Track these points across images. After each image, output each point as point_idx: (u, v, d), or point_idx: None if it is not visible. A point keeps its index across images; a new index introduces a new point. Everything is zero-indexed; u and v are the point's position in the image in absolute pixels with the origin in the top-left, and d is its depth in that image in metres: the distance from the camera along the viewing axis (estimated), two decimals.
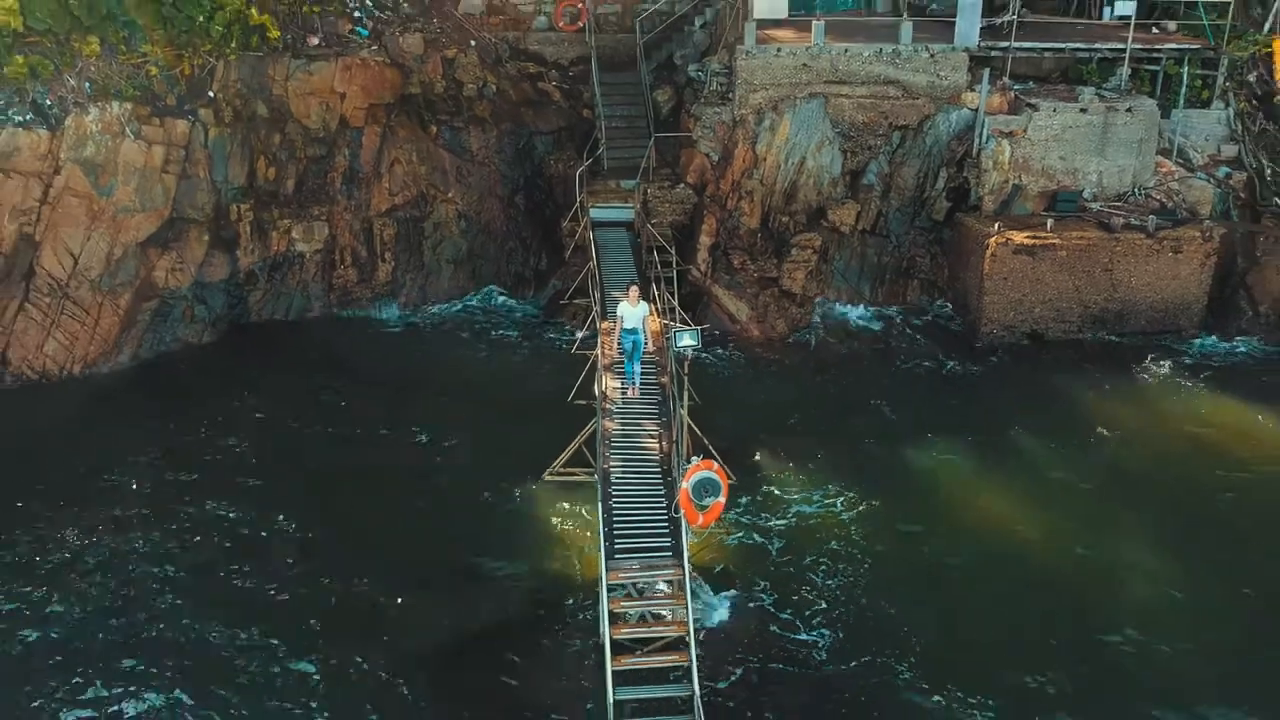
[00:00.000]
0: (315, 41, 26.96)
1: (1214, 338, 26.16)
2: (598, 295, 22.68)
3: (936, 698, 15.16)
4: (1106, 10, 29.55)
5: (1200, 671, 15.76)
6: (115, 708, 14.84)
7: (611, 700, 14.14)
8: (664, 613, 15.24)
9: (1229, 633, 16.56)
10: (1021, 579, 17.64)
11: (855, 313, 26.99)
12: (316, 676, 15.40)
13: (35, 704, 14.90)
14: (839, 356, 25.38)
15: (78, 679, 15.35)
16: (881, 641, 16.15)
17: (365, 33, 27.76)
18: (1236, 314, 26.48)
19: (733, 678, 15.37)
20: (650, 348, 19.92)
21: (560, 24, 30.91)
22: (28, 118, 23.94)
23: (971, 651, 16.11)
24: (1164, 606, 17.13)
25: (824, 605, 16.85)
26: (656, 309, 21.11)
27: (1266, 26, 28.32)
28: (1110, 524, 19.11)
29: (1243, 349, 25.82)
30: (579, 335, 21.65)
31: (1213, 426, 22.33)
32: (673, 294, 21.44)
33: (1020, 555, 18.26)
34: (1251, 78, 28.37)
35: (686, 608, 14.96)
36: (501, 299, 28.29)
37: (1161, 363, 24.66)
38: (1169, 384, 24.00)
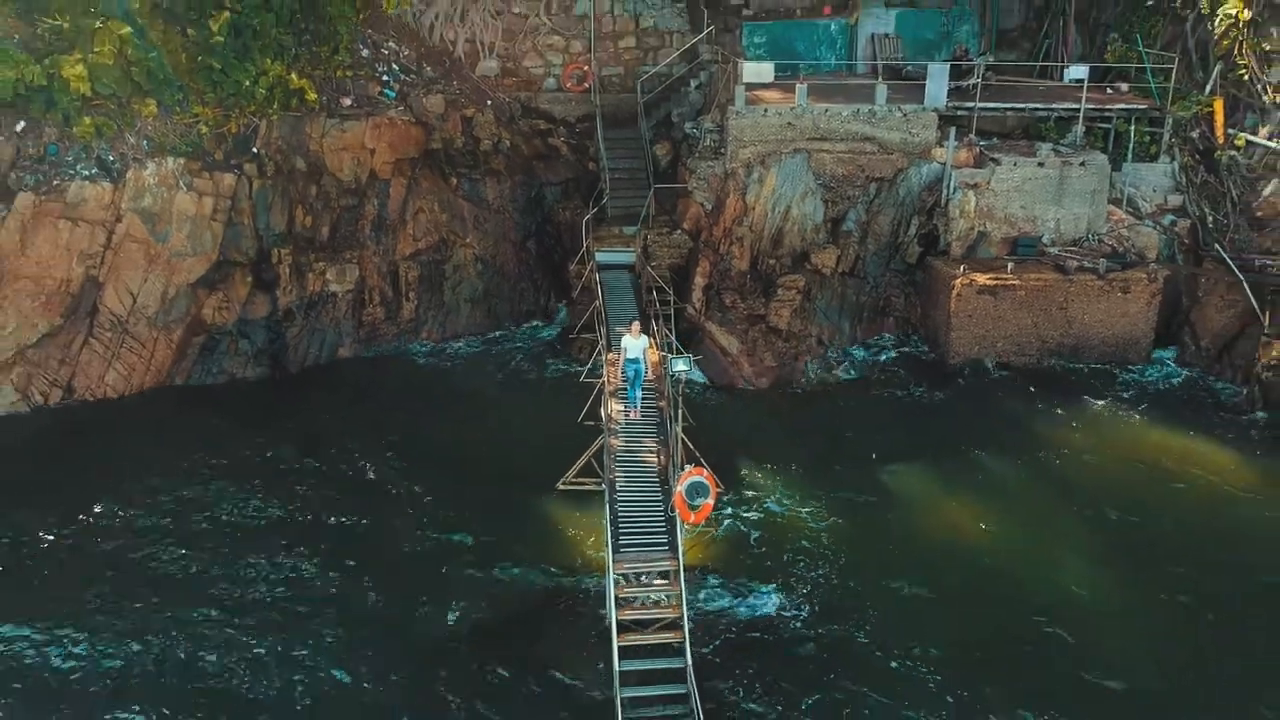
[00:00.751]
0: (348, 103, 29.88)
1: (1160, 368, 28.93)
2: (603, 330, 25.42)
3: (893, 663, 17.79)
4: (1065, 72, 32.37)
5: (1122, 655, 18.26)
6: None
7: (617, 670, 16.70)
8: (661, 597, 17.84)
9: (1151, 623, 19.11)
10: (972, 570, 20.26)
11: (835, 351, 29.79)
12: (366, 655, 17.98)
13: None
14: (820, 384, 28.10)
15: (127, 652, 17.90)
16: (846, 618, 18.85)
17: (392, 94, 30.70)
18: (1181, 348, 29.26)
19: (720, 651, 17.94)
20: (650, 376, 22.60)
21: (568, 85, 33.94)
22: (93, 172, 26.79)
23: (922, 628, 18.70)
24: (1093, 597, 19.67)
25: (797, 589, 19.53)
26: (656, 342, 23.81)
27: (1208, 89, 31.18)
28: (1055, 529, 21.70)
29: (1183, 378, 28.53)
30: (587, 365, 24.37)
31: (1152, 448, 24.96)
32: (670, 329, 24.23)
33: (972, 552, 20.90)
34: (1194, 134, 31.24)
35: (680, 593, 17.57)
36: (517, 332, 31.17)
37: (1109, 391, 27.38)
38: (1116, 410, 26.65)
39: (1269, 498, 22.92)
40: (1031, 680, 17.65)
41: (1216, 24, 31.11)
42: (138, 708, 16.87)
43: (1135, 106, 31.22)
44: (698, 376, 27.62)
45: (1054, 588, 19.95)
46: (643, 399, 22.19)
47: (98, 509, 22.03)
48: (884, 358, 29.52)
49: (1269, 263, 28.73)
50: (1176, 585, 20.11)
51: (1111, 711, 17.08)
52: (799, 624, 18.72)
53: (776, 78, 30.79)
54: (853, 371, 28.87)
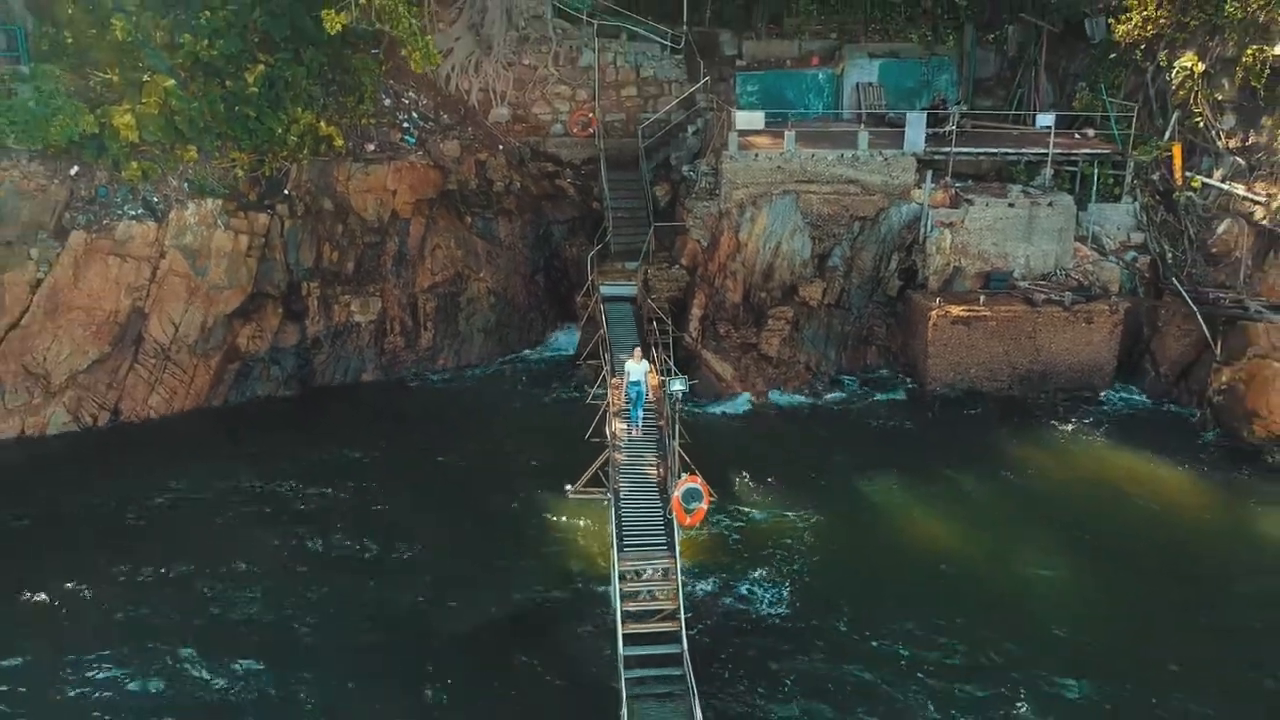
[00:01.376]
0: (371, 148, 32.37)
1: (1123, 393, 31.29)
2: (607, 357, 27.77)
3: (874, 643, 20.05)
4: (1035, 119, 34.88)
5: (1069, 646, 20.46)
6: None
7: (621, 655, 18.89)
8: (660, 591, 20.07)
9: (1100, 611, 21.32)
10: (934, 569, 22.53)
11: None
12: (402, 645, 20.20)
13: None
14: (807, 406, 30.44)
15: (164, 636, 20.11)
16: (826, 608, 21.11)
17: (412, 140, 33.21)
18: (1142, 374, 31.62)
19: (713, 638, 20.14)
20: (650, 398, 24.92)
21: (574, 130, 36.50)
22: (139, 212, 29.20)
23: (892, 616, 20.93)
24: (1049, 592, 21.94)
25: (781, 584, 21.81)
26: (656, 368, 26.12)
27: (1167, 135, 33.67)
28: (1017, 535, 23.96)
29: (1145, 403, 30.89)
30: (593, 388, 26.71)
31: (1110, 464, 27.27)
32: (669, 356, 26.60)
33: (940, 554, 23.16)
34: (1155, 177, 33.72)
35: (677, 587, 19.82)
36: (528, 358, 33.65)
37: (1074, 413, 29.73)
38: (1079, 430, 29.00)
39: (1214, 507, 25.27)
40: (990, 661, 19.84)
41: (1174, 76, 33.62)
42: (174, 689, 19.05)
43: (1100, 151, 33.74)
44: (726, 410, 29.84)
45: (1013, 584, 22.22)
46: (643, 418, 24.49)
47: (142, 521, 24.24)
48: (866, 383, 31.83)
49: (1221, 295, 31.11)
50: (1122, 580, 22.39)
51: (1060, 685, 19.26)
52: (783, 613, 20.98)
53: (767, 125, 33.29)
54: (838, 394, 31.19)
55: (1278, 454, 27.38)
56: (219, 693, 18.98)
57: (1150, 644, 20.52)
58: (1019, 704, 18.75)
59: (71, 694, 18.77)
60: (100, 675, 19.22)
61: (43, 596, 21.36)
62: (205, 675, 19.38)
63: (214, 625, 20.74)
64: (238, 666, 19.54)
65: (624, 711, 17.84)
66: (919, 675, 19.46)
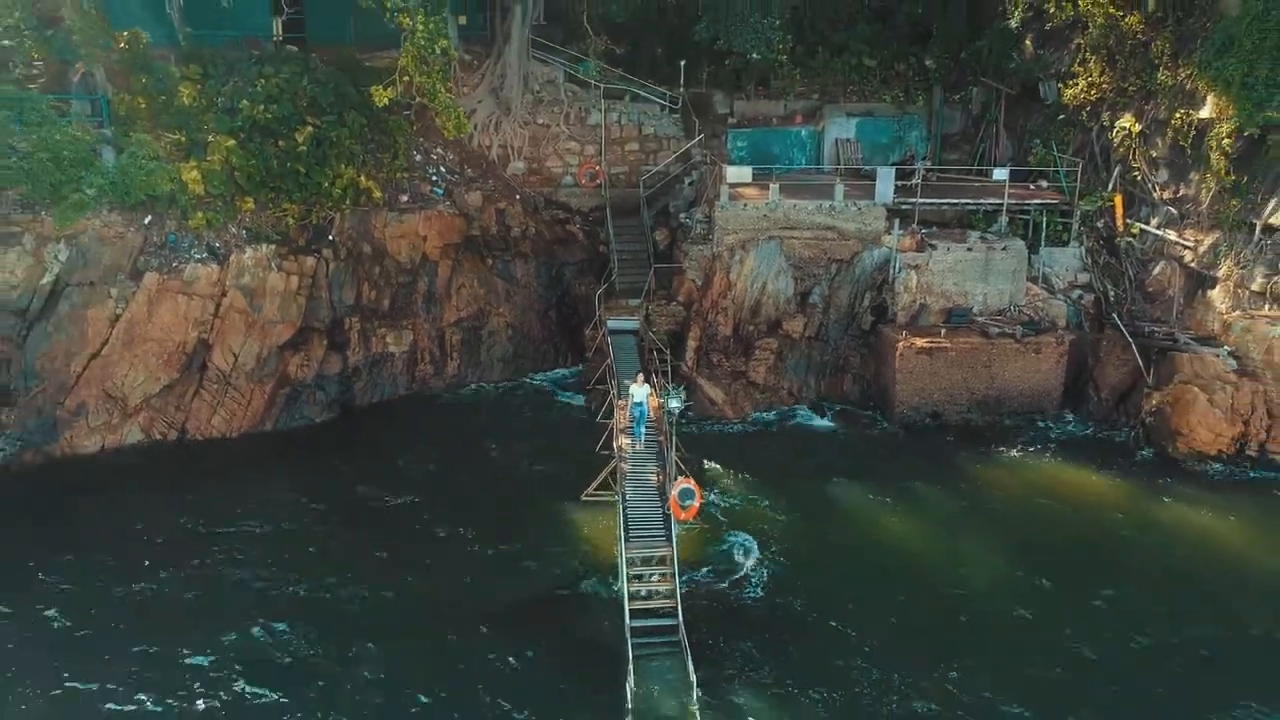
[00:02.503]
0: (405, 199, 36.61)
1: (1071, 416, 35.38)
2: (614, 382, 31.88)
3: (831, 621, 24.04)
4: (993, 173, 39.13)
5: (1014, 637, 24.34)
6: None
7: (629, 625, 22.89)
8: (659, 575, 24.08)
9: (1033, 601, 25.29)
10: (892, 565, 26.51)
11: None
12: (430, 627, 24.18)
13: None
14: (787, 428, 34.55)
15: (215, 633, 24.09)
16: (799, 590, 25.10)
17: (440, 192, 37.46)
18: (1085, 399, 35.72)
19: (703, 613, 24.08)
20: (652, 417, 28.95)
21: (582, 181, 40.77)
22: (204, 256, 33.32)
23: (853, 598, 24.92)
24: (990, 583, 25.94)
25: (761, 570, 25.84)
26: (656, 391, 30.16)
27: (1109, 186, 37.93)
28: (967, 536, 27.94)
29: (1087, 425, 34.98)
30: (601, 410, 30.81)
31: (1053, 476, 31.32)
32: (668, 382, 30.70)
33: (896, 552, 27.20)
34: (1099, 224, 37.95)
35: (674, 572, 23.85)
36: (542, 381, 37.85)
37: (1024, 433, 33.81)
38: (1028, 447, 33.08)
39: (1138, 510, 29.26)
40: (935, 635, 23.82)
41: (1115, 134, 37.94)
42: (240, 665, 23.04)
43: (1050, 201, 38.02)
44: (719, 429, 34.00)
45: (962, 575, 26.20)
46: (645, 434, 28.56)
47: (205, 524, 28.19)
48: (842, 406, 35.96)
49: (1155, 329, 35.26)
50: (1056, 569, 26.31)
51: (998, 657, 23.22)
52: (763, 594, 25.03)
53: (755, 178, 37.61)
54: (816, 416, 35.33)
55: (1196, 466, 31.47)
56: (287, 660, 22.88)
57: (1073, 618, 24.48)
58: (951, 671, 22.69)
59: (151, 654, 22.77)
60: (181, 642, 23.24)
61: (139, 585, 25.39)
62: (272, 644, 23.27)
63: (276, 603, 24.70)
64: (302, 641, 23.42)
65: (630, 669, 21.84)
66: (870, 644, 23.46)
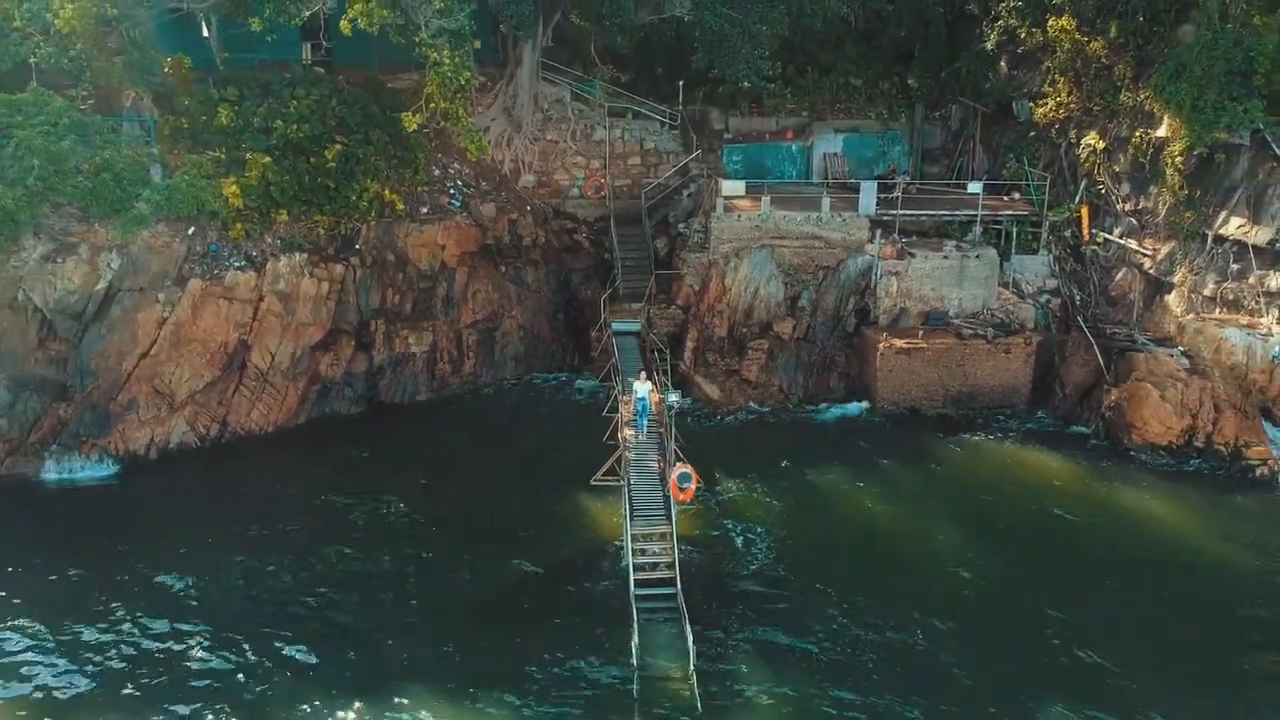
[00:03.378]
0: (425, 211, 39.65)
1: (1039, 412, 38.49)
2: (618, 379, 34.96)
3: (816, 584, 27.18)
4: (968, 186, 42.20)
5: (975, 586, 27.57)
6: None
7: (633, 593, 25.99)
8: (660, 549, 27.19)
9: (995, 569, 28.42)
10: (869, 539, 29.78)
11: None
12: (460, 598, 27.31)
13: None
14: (778, 419, 37.67)
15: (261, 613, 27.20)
16: (784, 561, 28.37)
17: (457, 204, 40.52)
18: (1052, 396, 38.82)
19: (698, 582, 27.19)
20: (654, 411, 32.02)
21: (588, 194, 43.86)
22: (242, 264, 36.35)
23: (831, 568, 28.10)
24: (957, 553, 29.04)
25: (752, 544, 29.13)
26: (657, 388, 33.21)
27: (1076, 199, 41.02)
28: (941, 515, 31.02)
29: (1052, 419, 38.11)
30: (608, 404, 33.91)
31: (1019, 464, 34.45)
32: (667, 379, 33.80)
33: (873, 528, 30.42)
34: (1066, 233, 41.06)
35: (673, 546, 26.97)
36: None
37: (994, 426, 36.93)
38: (998, 439, 36.19)
39: (1093, 495, 32.42)
40: (905, 598, 26.99)
41: (1081, 150, 41.05)
42: (290, 632, 26.15)
43: (1020, 212, 41.13)
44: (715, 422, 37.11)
45: (933, 547, 29.40)
46: (647, 427, 31.65)
47: (243, 508, 31.30)
48: (829, 401, 39.09)
49: (1117, 331, 38.43)
50: (1017, 548, 29.52)
51: (959, 615, 26.37)
52: (752, 566, 28.26)
53: (748, 191, 40.68)
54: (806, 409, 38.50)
55: (1147, 455, 34.59)
56: (325, 619, 26.11)
57: (1031, 587, 27.69)
58: (918, 632, 25.84)
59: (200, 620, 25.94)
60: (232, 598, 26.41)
61: (205, 557, 28.60)
62: (314, 609, 26.48)
63: (313, 570, 28.05)
64: (340, 606, 26.62)
65: (635, 630, 24.98)
66: (847, 607, 26.64)
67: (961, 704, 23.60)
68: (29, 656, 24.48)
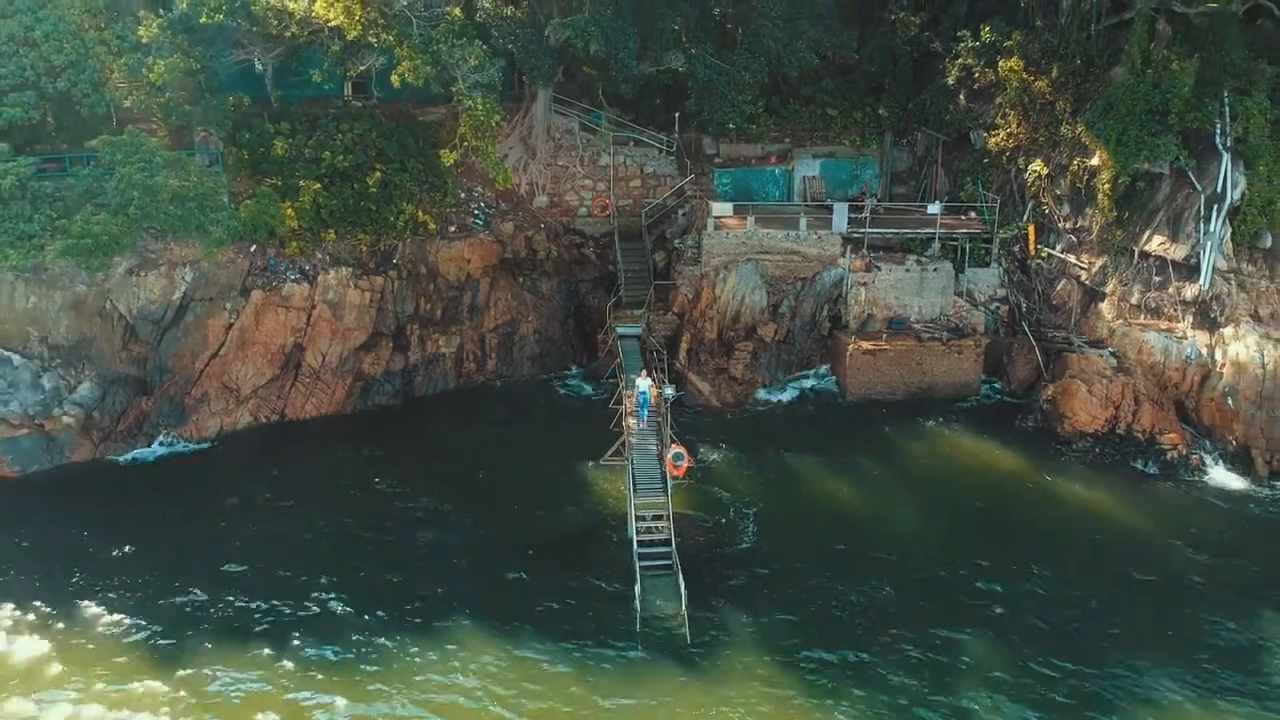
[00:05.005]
0: (453, 229, 45.34)
1: (986, 403, 44.25)
2: (622, 376, 40.66)
3: (790, 552, 32.90)
4: (928, 207, 47.83)
5: (926, 554, 33.29)
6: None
7: (636, 553, 31.73)
8: (658, 519, 32.93)
9: (942, 537, 34.16)
10: (838, 512, 35.51)
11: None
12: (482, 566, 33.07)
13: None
14: (760, 412, 43.43)
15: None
16: (764, 530, 33.99)
17: (481, 223, 46.22)
18: (998, 391, 44.58)
19: (691, 547, 32.97)
20: (653, 404, 37.68)
21: (595, 212, 49.51)
22: (297, 277, 42.02)
23: (806, 537, 33.79)
24: (912, 523, 34.80)
25: (737, 515, 34.89)
26: (656, 383, 38.87)
27: (1024, 218, 46.73)
28: (898, 492, 36.79)
29: (998, 412, 43.86)
30: (613, 398, 39.64)
31: (968, 449, 40.16)
32: (665, 376, 39.55)
33: (841, 502, 36.18)
34: (1015, 249, 46.78)
35: (669, 515, 32.72)
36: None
37: (948, 417, 42.62)
38: (949, 428, 41.90)
39: (1031, 474, 38.24)
40: (866, 557, 32.78)
41: (1029, 175, 46.73)
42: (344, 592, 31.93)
43: (974, 230, 46.84)
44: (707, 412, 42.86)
45: (891, 518, 35.21)
46: (647, 417, 37.35)
47: (300, 484, 37.10)
48: (805, 390, 44.78)
49: (1056, 334, 44.21)
50: (962, 518, 35.30)
51: (912, 569, 32.15)
52: (736, 532, 34.12)
53: (735, 211, 46.35)
54: (780, 397, 44.22)
55: (1075, 441, 40.31)
56: (377, 568, 31.94)
57: (973, 547, 33.57)
58: (887, 589, 31.58)
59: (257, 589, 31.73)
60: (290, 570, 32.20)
61: (270, 526, 34.38)
62: (366, 562, 32.28)
63: (362, 536, 33.91)
64: (387, 559, 32.44)
65: (638, 581, 30.78)
66: (818, 568, 32.41)
67: (910, 631, 29.80)
68: (134, 594, 30.40)
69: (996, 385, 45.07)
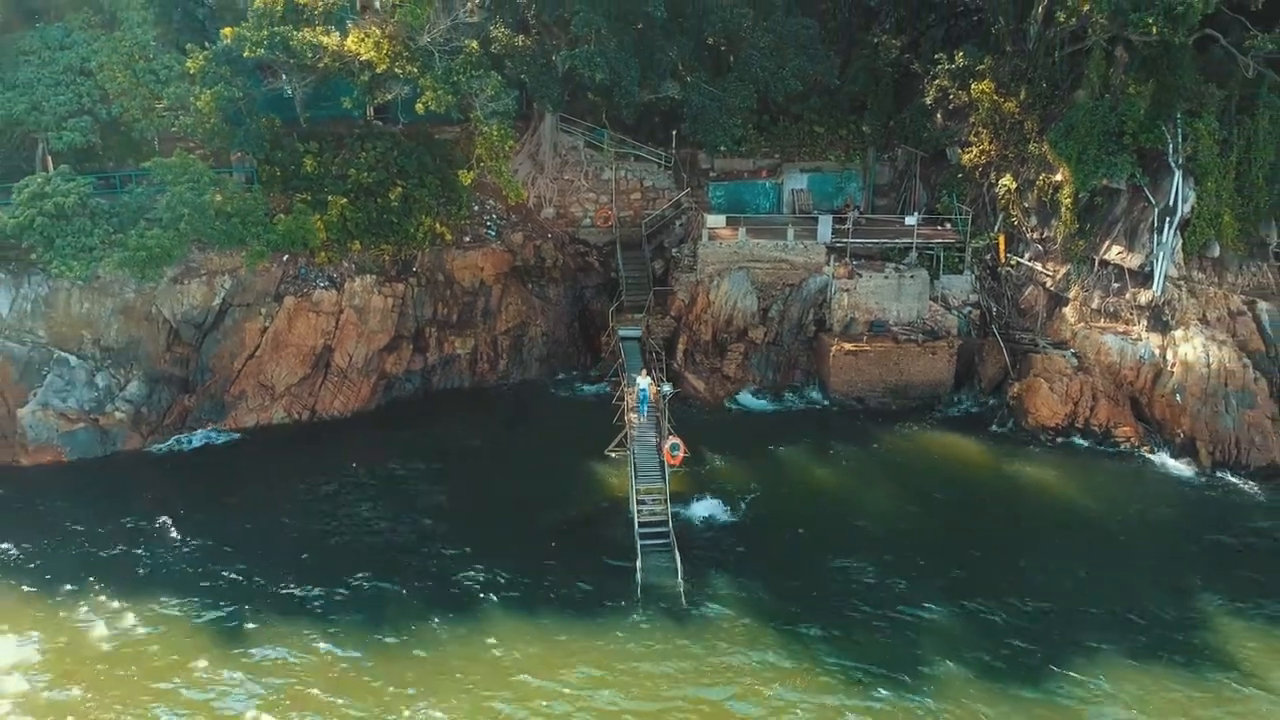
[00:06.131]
0: (468, 239, 49.11)
1: (964, 402, 48.04)
2: (624, 375, 44.46)
3: (778, 533, 36.74)
4: (906, 219, 51.59)
5: (902, 536, 37.11)
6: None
7: (637, 533, 35.52)
8: (657, 502, 36.72)
9: (913, 523, 37.97)
10: (820, 498, 39.33)
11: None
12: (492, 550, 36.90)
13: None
14: (748, 410, 47.24)
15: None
16: (754, 513, 37.74)
17: (493, 233, 50.01)
18: (970, 388, 48.40)
19: (685, 524, 36.79)
20: (652, 401, 41.49)
21: (598, 223, 53.30)
22: (326, 284, 45.79)
23: (792, 519, 37.57)
24: (887, 509, 38.59)
25: (726, 500, 38.56)
26: (655, 381, 42.65)
27: (995, 228, 50.53)
28: (877, 482, 40.54)
29: (969, 408, 47.69)
30: (616, 395, 43.46)
31: (939, 443, 43.97)
32: (663, 375, 43.39)
33: (824, 490, 40.00)
34: (986, 257, 50.56)
35: (666, 499, 36.55)
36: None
37: (922, 413, 46.45)
38: (924, 423, 45.72)
39: (996, 465, 42.06)
40: (848, 539, 36.59)
41: (999, 189, 50.51)
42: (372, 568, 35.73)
43: (948, 240, 50.64)
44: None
45: (872, 506, 38.98)
46: (647, 413, 41.15)
47: (331, 471, 40.91)
48: (791, 393, 48.62)
49: (1023, 336, 48.04)
50: (934, 505, 39.07)
51: (888, 549, 35.92)
52: (728, 513, 37.94)
53: (728, 223, 50.14)
54: (767, 398, 48.06)
55: (1038, 435, 44.17)
56: (400, 548, 35.67)
57: (944, 530, 37.33)
58: (870, 570, 35.30)
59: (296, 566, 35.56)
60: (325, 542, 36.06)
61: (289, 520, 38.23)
62: (389, 542, 36.02)
63: (387, 518, 37.62)
64: (410, 541, 36.19)
65: (639, 557, 34.62)
66: (803, 550, 36.25)
67: (886, 596, 33.68)
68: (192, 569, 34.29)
69: (964, 399, 48.59)
